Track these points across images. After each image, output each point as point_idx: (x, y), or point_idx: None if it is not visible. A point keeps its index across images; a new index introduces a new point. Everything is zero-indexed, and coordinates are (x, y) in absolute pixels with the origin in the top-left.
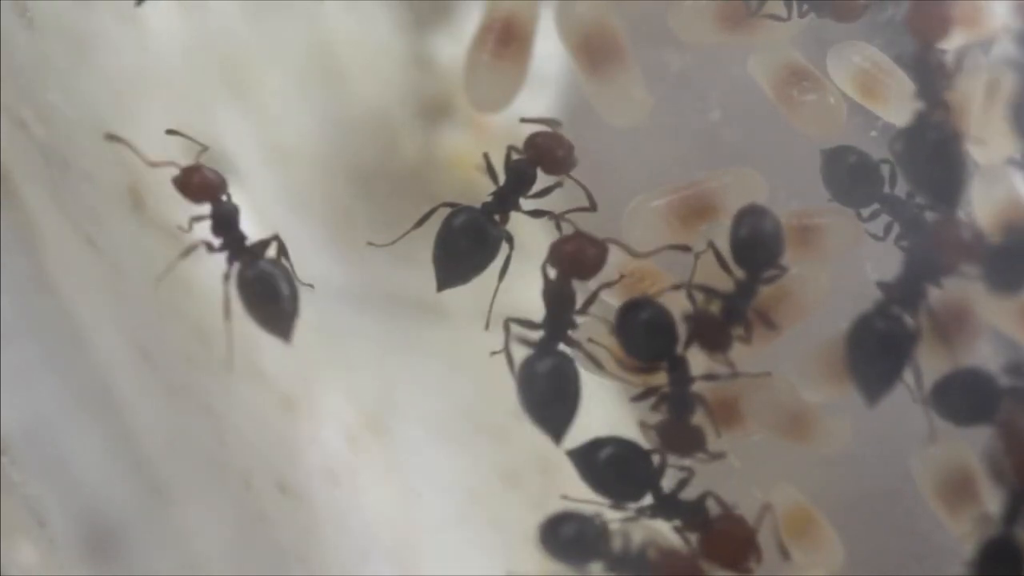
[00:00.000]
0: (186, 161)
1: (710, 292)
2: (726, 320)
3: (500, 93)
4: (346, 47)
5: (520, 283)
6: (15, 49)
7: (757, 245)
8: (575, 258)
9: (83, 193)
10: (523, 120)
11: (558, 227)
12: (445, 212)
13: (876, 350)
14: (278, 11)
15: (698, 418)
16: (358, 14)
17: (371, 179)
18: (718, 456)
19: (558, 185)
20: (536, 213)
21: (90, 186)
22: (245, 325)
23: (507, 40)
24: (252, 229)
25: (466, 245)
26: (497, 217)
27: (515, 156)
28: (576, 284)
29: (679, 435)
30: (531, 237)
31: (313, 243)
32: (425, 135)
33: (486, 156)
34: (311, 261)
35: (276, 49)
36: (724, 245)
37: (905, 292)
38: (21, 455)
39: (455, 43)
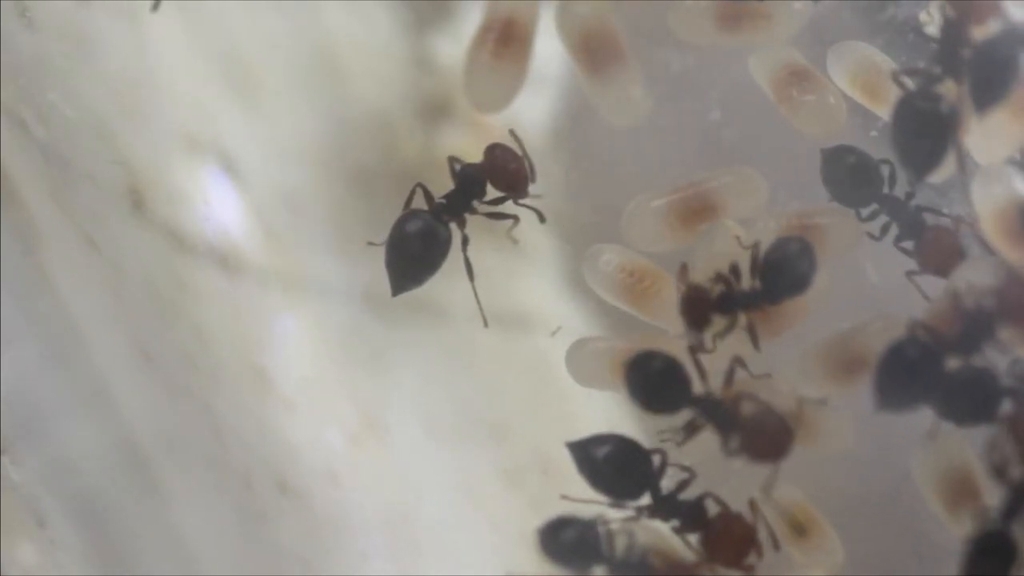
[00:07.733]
0: (187, 161)
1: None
2: (716, 305)
3: (500, 93)
4: (346, 47)
5: (520, 283)
6: (15, 49)
7: (787, 278)
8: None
9: (83, 193)
10: None
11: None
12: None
13: (906, 377)
14: (278, 11)
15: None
16: (358, 14)
17: (371, 179)
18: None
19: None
20: (494, 206)
21: (90, 186)
22: (247, 326)
23: (507, 40)
24: (252, 229)
25: (417, 248)
26: (454, 222)
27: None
28: None
29: (761, 441)
30: (532, 238)
31: (313, 243)
32: (425, 135)
33: (450, 159)
34: (311, 261)
35: (276, 49)
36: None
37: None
38: (21, 455)
39: (455, 43)
